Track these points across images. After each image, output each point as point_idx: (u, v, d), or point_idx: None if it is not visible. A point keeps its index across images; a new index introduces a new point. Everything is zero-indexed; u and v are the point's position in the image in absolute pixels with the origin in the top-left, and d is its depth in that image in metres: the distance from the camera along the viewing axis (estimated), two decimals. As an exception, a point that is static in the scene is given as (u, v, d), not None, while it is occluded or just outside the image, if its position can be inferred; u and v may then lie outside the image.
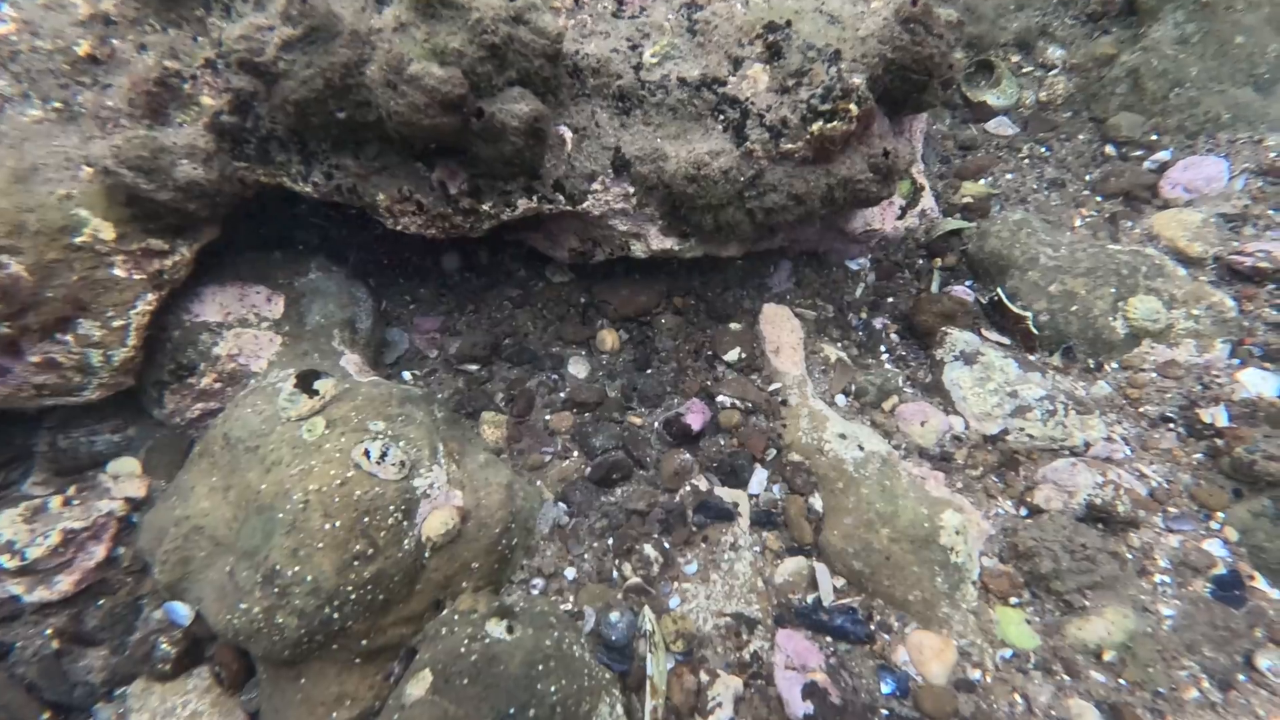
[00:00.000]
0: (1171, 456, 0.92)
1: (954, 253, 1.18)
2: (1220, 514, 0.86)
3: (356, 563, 0.71)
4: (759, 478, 0.97)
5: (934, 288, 1.15)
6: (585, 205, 1.00)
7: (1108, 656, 0.76)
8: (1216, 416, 0.91)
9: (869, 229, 1.12)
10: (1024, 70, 1.41)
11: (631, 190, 1.00)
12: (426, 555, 0.77)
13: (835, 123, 0.87)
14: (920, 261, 1.20)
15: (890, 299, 1.17)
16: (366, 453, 0.76)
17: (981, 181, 1.27)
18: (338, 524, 0.71)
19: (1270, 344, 0.97)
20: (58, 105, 0.80)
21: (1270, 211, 1.10)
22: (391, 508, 0.74)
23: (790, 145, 0.91)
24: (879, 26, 0.89)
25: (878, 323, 1.16)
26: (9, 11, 0.80)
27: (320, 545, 0.70)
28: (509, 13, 0.82)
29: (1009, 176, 1.27)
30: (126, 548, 0.85)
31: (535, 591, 0.86)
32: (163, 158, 0.74)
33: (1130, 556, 0.84)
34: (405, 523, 0.75)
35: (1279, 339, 0.98)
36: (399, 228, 0.96)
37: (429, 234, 0.97)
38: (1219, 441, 0.90)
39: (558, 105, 0.98)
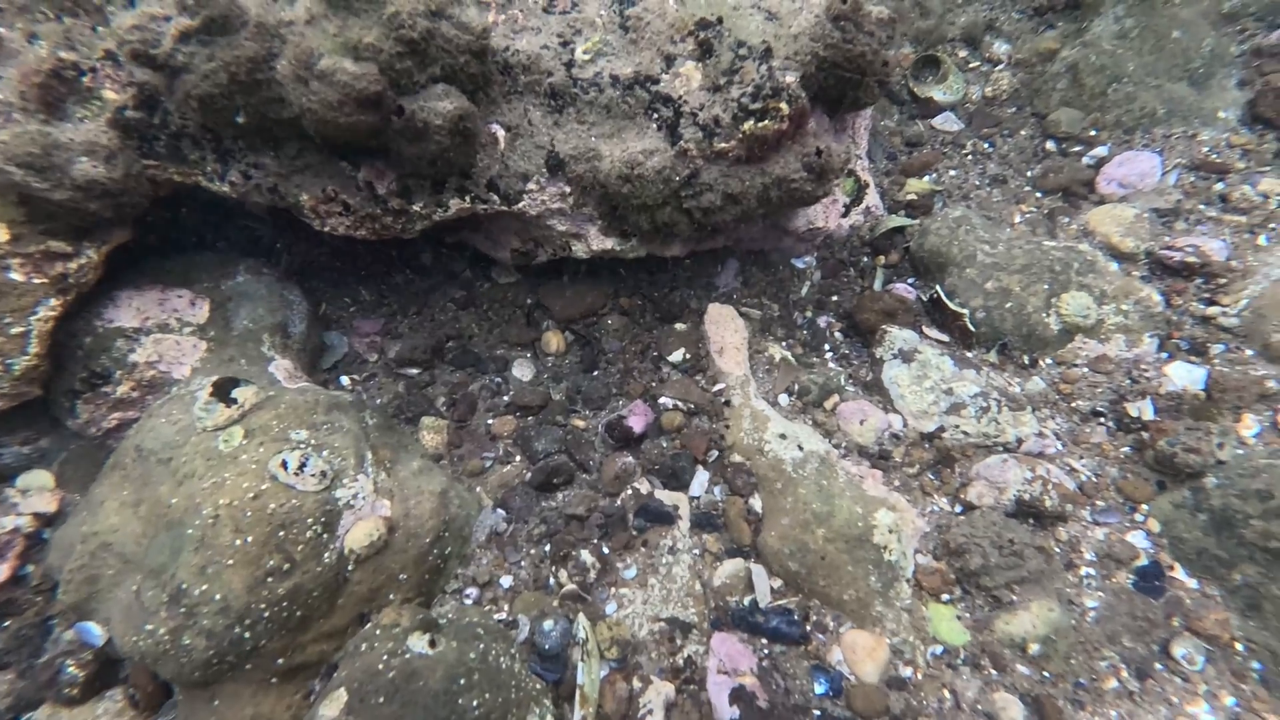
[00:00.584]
0: (1101, 450, 0.93)
1: (897, 250, 1.18)
2: (1144, 506, 0.88)
3: (270, 579, 0.68)
4: (700, 480, 0.97)
5: (877, 285, 1.16)
6: (521, 205, 0.98)
7: (1033, 650, 0.77)
8: (1143, 410, 0.93)
9: (813, 227, 1.12)
10: (971, 65, 1.42)
11: (568, 190, 0.98)
12: (350, 568, 0.75)
13: (766, 122, 0.86)
14: (865, 259, 1.20)
15: (835, 297, 1.17)
16: (284, 463, 0.74)
17: (926, 178, 1.28)
18: (249, 539, 0.68)
19: (1197, 338, 0.99)
20: (-54, 101, 0.75)
21: (1201, 206, 1.13)
22: (310, 520, 0.72)
23: (724, 144, 0.90)
24: (810, 24, 0.89)
25: (822, 321, 1.16)
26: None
27: (230, 562, 0.67)
28: (429, 6, 0.80)
29: (953, 173, 1.28)
30: (35, 565, 0.82)
31: (469, 601, 0.85)
32: (57, 155, 0.71)
33: (1058, 550, 0.85)
34: (325, 535, 0.73)
35: (1205, 333, 1.00)
36: (326, 229, 0.93)
37: (359, 235, 0.95)
38: (1145, 435, 0.91)
39: (489, 103, 0.95)
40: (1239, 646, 0.75)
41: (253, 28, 0.70)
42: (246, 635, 0.67)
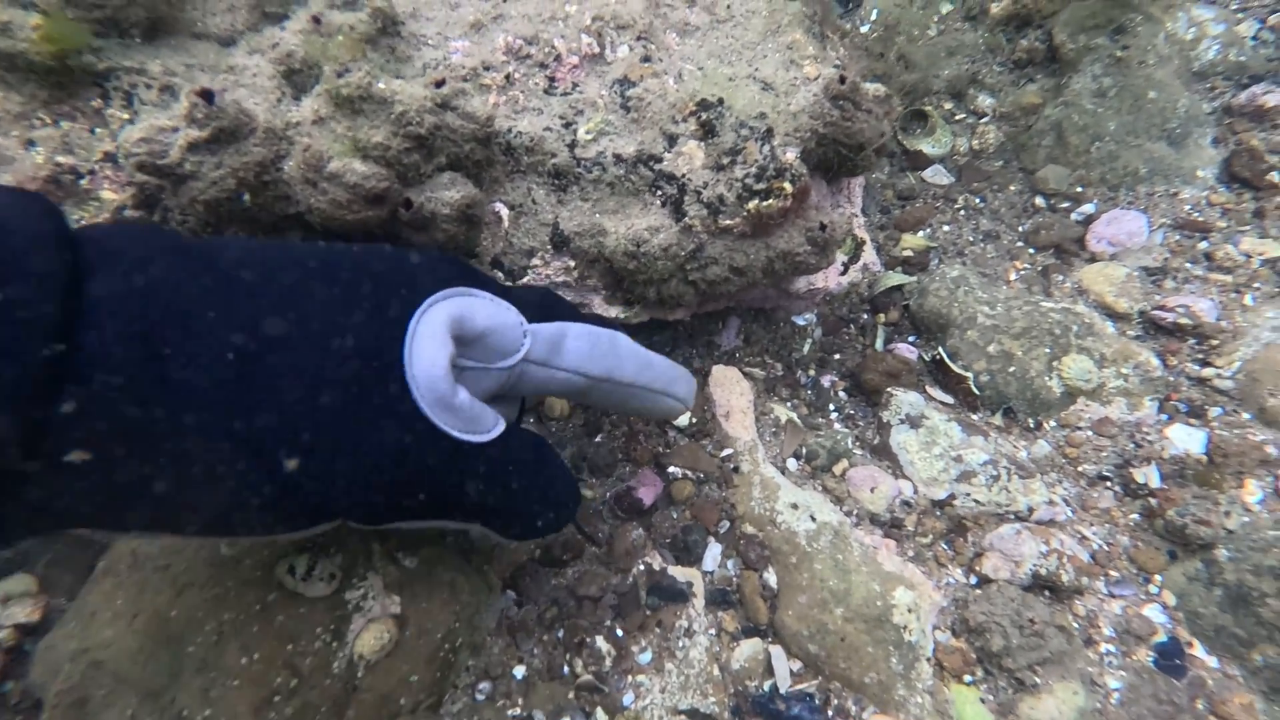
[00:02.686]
0: (1110, 517, 0.94)
1: (896, 307, 1.19)
2: (1158, 577, 0.88)
3: (278, 699, 0.65)
4: (713, 553, 0.95)
5: (878, 344, 1.16)
6: (526, 280, 0.97)
7: (1060, 735, 0.76)
8: (1149, 476, 0.93)
9: (813, 287, 1.12)
10: (957, 118, 1.45)
11: (573, 264, 0.98)
12: (360, 675, 0.72)
13: (771, 200, 0.87)
14: (865, 316, 1.21)
15: (837, 355, 1.17)
16: (291, 569, 0.71)
17: (920, 234, 1.30)
18: (256, 656, 0.65)
19: (1194, 400, 1.01)
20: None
21: (1188, 265, 1.15)
22: (319, 630, 0.69)
23: (729, 221, 0.90)
24: (810, 103, 0.90)
25: (826, 380, 1.16)
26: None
27: (235, 683, 0.64)
28: (435, 100, 0.79)
29: (946, 228, 1.30)
30: (16, 682, 0.77)
31: (481, 698, 0.82)
32: (53, 261, 0.68)
33: (1076, 626, 0.85)
34: (335, 644, 0.70)
35: (1202, 395, 1.01)
36: None
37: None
38: (1153, 501, 0.92)
39: (492, 183, 0.95)
40: (1264, 728, 0.75)
41: (261, 134, 0.70)
42: (253, 762, 0.64)
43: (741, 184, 0.90)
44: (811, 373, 1.18)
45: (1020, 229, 1.27)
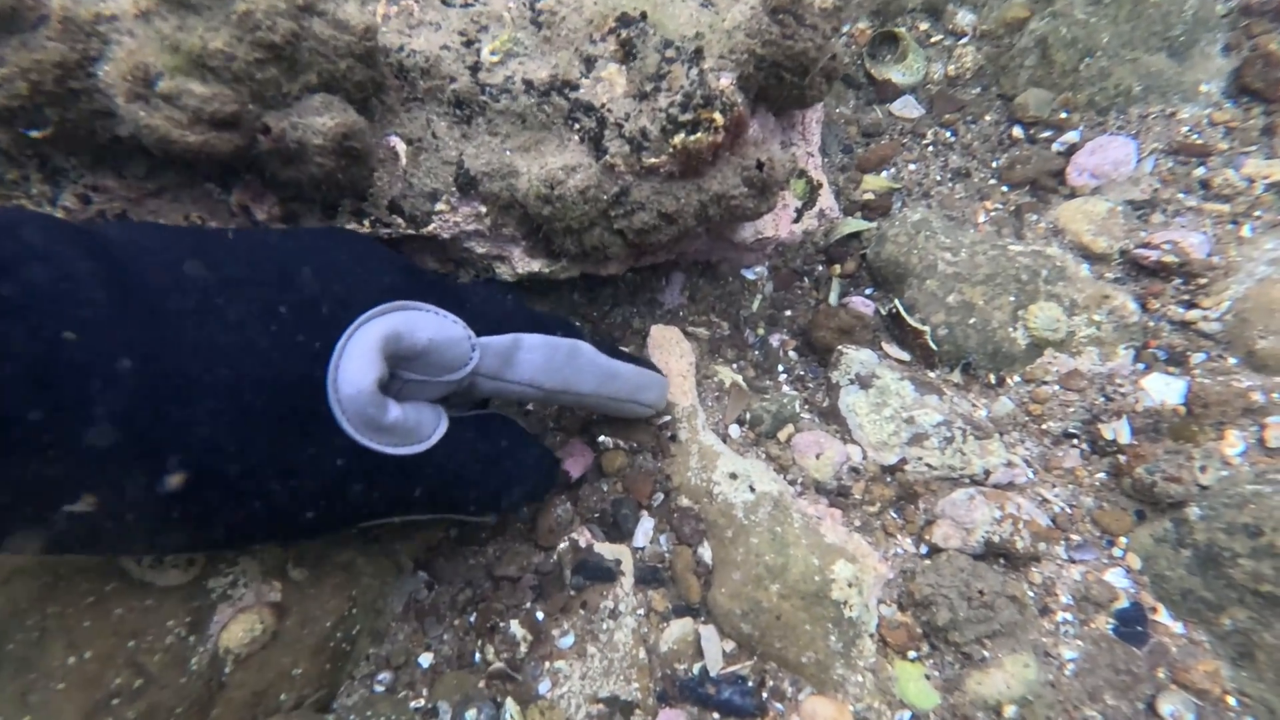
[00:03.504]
0: (1074, 477, 0.86)
1: (854, 257, 1.09)
2: (1123, 539, 0.81)
3: (116, 701, 0.58)
4: (644, 528, 0.88)
5: (832, 299, 1.07)
6: (432, 228, 0.86)
7: (1008, 712, 0.71)
8: (1119, 432, 0.86)
9: (761, 237, 1.02)
10: (933, 39, 1.31)
11: (484, 210, 0.87)
12: (227, 670, 0.65)
13: (699, 134, 0.76)
14: (820, 268, 1.11)
15: (789, 312, 1.08)
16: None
17: (883, 174, 1.19)
18: (87, 655, 0.58)
19: (1174, 346, 0.92)
20: None
21: (1180, 195, 1.05)
22: (171, 623, 0.61)
23: (654, 159, 0.79)
24: (746, 18, 0.78)
25: (775, 339, 1.07)
26: None
27: (60, 686, 0.56)
28: (294, 1, 0.67)
29: (912, 167, 1.19)
30: None
31: (380, 689, 0.75)
32: None
33: (1031, 595, 0.78)
34: (192, 637, 0.62)
35: (1184, 340, 0.93)
36: None
37: None
38: (1121, 459, 0.84)
39: (385, 112, 0.83)
40: (1231, 701, 0.69)
41: (57, 24, 0.57)
42: (90, 777, 0.57)
43: (666, 115, 0.78)
44: (760, 331, 1.08)
45: (994, 164, 1.16)
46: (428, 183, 0.85)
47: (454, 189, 0.85)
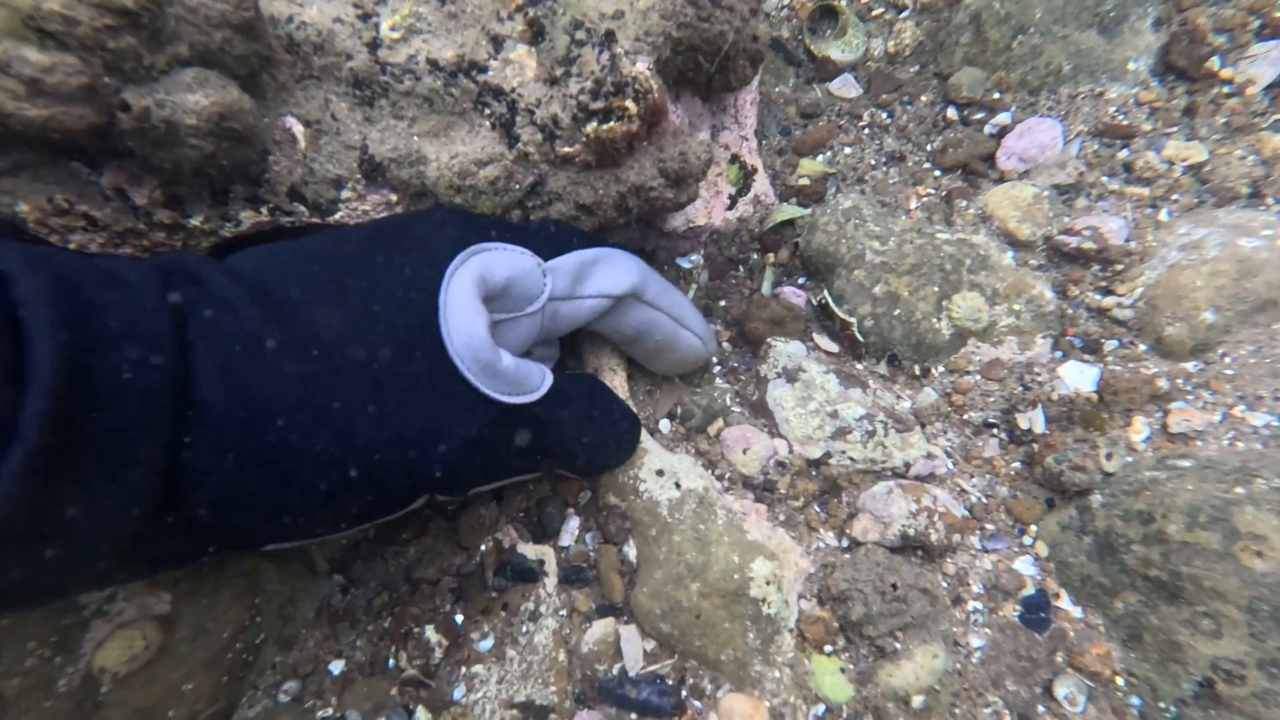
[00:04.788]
0: (992, 467, 0.88)
1: (788, 246, 1.08)
2: (1033, 527, 0.84)
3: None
4: (570, 527, 0.87)
5: (765, 288, 1.05)
6: (339, 216, 0.81)
7: (916, 702, 0.73)
8: (1034, 421, 0.87)
9: (693, 225, 0.99)
10: (875, 13, 1.28)
11: (394, 199, 0.82)
12: (105, 690, 0.61)
13: (612, 124, 0.72)
14: (754, 256, 1.09)
15: (723, 302, 1.06)
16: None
17: (819, 158, 1.17)
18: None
19: (1090, 333, 0.94)
20: None
21: (1104, 179, 1.05)
22: (33, 644, 0.58)
23: (568, 149, 0.75)
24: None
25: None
26: None
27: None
28: (152, -32, 0.60)
29: (848, 150, 1.17)
30: None
31: (285, 699, 0.73)
32: None
33: (945, 586, 0.80)
34: (59, 659, 0.59)
35: (1100, 327, 0.94)
36: (75, 249, 0.74)
37: (124, 254, 0.76)
38: (1035, 448, 0.86)
39: (277, 89, 0.76)
40: (1120, 681, 0.72)
41: None
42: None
43: (577, 103, 0.74)
44: (696, 319, 1.07)
45: (929, 147, 1.15)
46: (330, 168, 0.79)
47: (359, 175, 0.80)
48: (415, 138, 0.79)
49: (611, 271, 0.70)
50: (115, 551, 0.45)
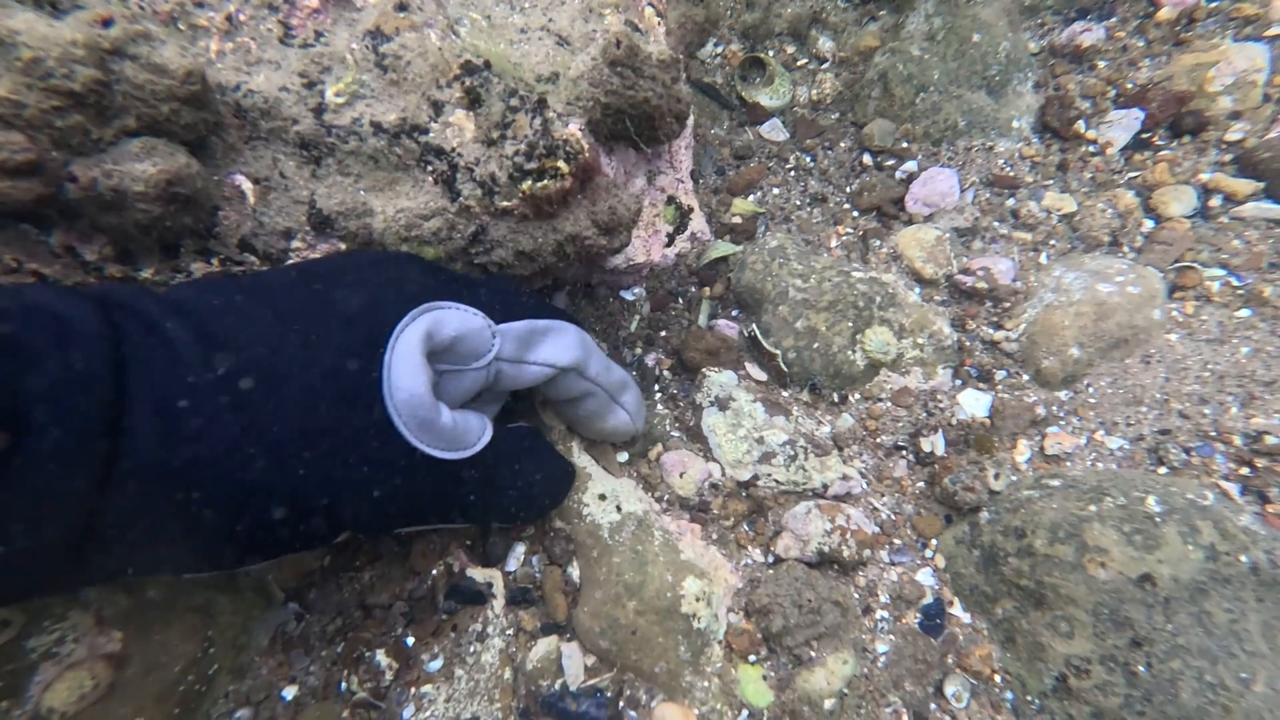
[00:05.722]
0: (900, 486, 0.98)
1: (723, 280, 1.16)
2: (934, 541, 0.94)
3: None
4: (517, 551, 0.92)
5: (702, 320, 1.13)
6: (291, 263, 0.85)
7: (827, 705, 0.81)
8: (936, 444, 0.97)
9: (633, 263, 1.07)
10: (799, 63, 1.38)
11: (344, 247, 0.86)
12: None
13: (546, 182, 0.79)
14: (692, 290, 1.17)
15: (664, 332, 1.14)
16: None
17: (750, 198, 1.26)
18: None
19: (984, 364, 1.05)
20: None
21: (996, 224, 1.17)
22: None
23: (506, 203, 0.82)
24: (588, 68, 0.81)
25: (650, 359, 1.12)
26: None
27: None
28: (100, 45, 0.64)
29: (776, 191, 1.26)
30: None
31: (239, 731, 0.77)
32: None
33: (856, 597, 0.89)
34: (4, 702, 0.62)
35: (991, 359, 1.06)
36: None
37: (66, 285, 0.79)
38: (935, 468, 0.96)
39: (227, 150, 0.80)
40: (997, 679, 0.82)
41: None
42: None
43: (512, 163, 0.80)
44: (638, 351, 1.14)
45: (848, 190, 1.25)
46: (280, 221, 0.83)
47: (308, 227, 0.84)
48: (362, 192, 0.84)
49: (558, 345, 0.72)
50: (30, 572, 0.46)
